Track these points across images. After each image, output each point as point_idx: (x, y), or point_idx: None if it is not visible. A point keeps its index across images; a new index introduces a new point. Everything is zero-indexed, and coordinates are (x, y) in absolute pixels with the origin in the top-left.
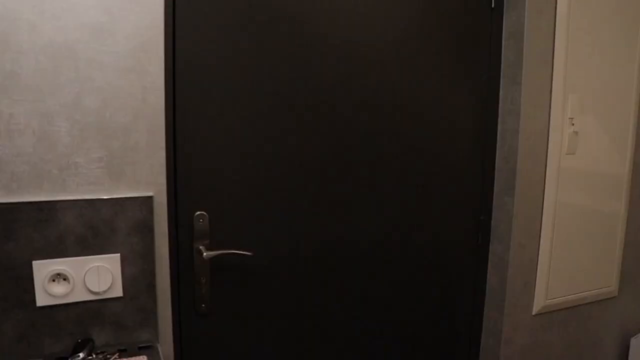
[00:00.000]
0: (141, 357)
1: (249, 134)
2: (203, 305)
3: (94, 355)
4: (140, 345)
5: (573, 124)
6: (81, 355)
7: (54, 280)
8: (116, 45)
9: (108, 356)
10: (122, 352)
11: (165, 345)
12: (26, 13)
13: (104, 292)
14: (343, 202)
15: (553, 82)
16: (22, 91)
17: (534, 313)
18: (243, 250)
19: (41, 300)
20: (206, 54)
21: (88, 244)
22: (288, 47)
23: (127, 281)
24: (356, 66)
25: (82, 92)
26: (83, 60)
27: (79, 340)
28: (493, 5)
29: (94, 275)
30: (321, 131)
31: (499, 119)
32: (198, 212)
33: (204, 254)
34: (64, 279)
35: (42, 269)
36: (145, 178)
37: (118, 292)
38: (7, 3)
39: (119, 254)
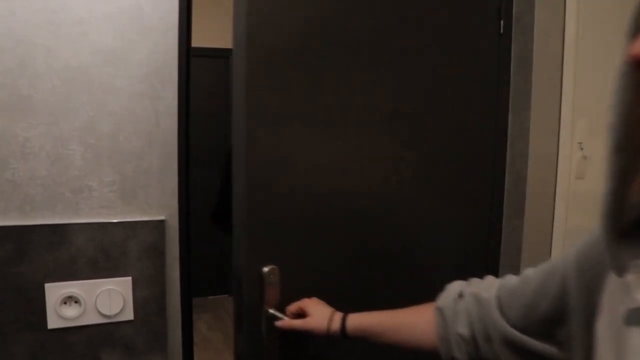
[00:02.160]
0: None
1: None
2: None
3: None
4: None
5: (582, 149)
6: None
7: (65, 303)
8: (130, 70)
9: None
10: None
11: None
12: (43, 38)
13: (115, 315)
14: (360, 247)
15: (562, 106)
16: (37, 115)
17: None
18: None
19: (52, 322)
20: None
21: (100, 267)
22: None
23: (138, 304)
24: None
25: (96, 116)
26: (97, 84)
27: None
28: (502, 31)
29: (106, 298)
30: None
31: (508, 144)
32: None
33: None
34: (76, 302)
35: (54, 291)
36: (158, 202)
37: (129, 315)
38: (25, 29)
39: (130, 277)
